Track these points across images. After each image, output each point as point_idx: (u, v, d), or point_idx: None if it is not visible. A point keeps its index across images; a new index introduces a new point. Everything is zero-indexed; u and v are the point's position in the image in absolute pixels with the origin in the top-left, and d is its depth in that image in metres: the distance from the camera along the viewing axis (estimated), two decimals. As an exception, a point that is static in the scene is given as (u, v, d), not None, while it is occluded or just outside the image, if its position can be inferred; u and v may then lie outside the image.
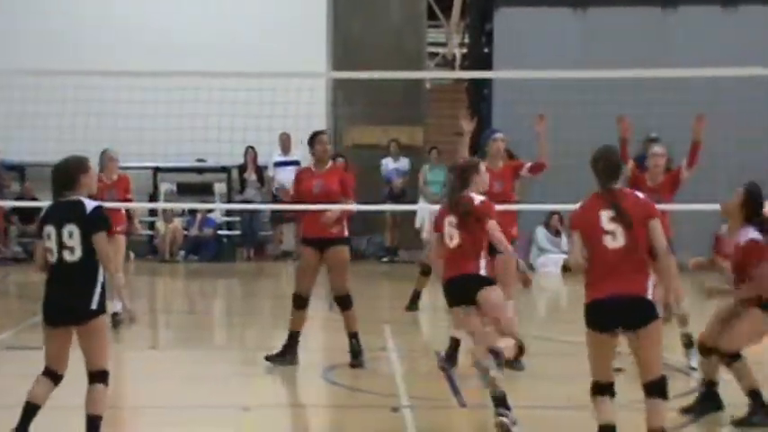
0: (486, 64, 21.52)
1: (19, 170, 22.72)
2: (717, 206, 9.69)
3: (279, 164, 22.45)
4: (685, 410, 8.96)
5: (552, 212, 20.48)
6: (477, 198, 8.78)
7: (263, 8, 23.41)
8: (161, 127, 18.25)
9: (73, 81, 15.40)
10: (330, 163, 11.69)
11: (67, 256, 7.39)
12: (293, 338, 11.03)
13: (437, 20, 31.42)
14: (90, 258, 7.40)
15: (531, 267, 20.88)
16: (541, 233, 20.98)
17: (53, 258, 7.45)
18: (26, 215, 22.16)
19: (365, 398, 9.66)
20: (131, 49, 21.91)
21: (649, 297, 7.18)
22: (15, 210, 22.09)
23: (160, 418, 9.04)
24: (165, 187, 23.13)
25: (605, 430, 7.36)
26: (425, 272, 14.67)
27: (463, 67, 29.71)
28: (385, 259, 22.66)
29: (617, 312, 7.15)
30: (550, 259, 20.87)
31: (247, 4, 23.51)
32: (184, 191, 23.11)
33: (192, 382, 10.41)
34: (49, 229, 7.48)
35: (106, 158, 14.18)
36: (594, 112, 18.97)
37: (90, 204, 7.51)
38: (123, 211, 13.78)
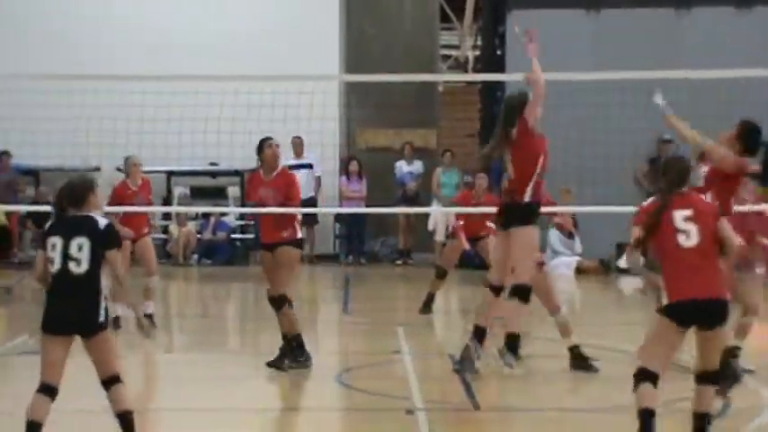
0: (499, 66, 21.50)
1: (33, 174, 22.77)
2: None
3: (292, 167, 22.39)
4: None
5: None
6: None
7: (276, 11, 23.44)
8: (174, 131, 18.29)
9: (87, 85, 15.47)
10: (279, 169, 11.66)
11: (73, 268, 7.50)
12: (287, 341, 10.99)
13: (450, 22, 31.39)
14: (95, 271, 7.53)
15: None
16: (554, 235, 20.96)
17: (54, 269, 7.55)
18: (41, 220, 22.20)
19: (379, 401, 9.65)
20: (144, 53, 21.93)
21: (728, 297, 7.47)
22: (30, 214, 22.13)
23: (175, 421, 9.05)
24: (178, 191, 23.16)
25: (646, 414, 7.41)
26: (440, 275, 14.66)
27: (476, 70, 29.69)
28: (398, 262, 22.66)
29: (701, 314, 7.39)
30: (563, 261, 20.85)
31: (260, 7, 23.54)
32: (198, 194, 23.14)
33: (207, 386, 10.42)
34: (55, 240, 7.57)
35: (130, 164, 14.30)
36: (607, 113, 18.97)
37: (102, 221, 7.66)
38: (147, 215, 13.95)
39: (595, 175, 18.61)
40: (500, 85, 21.32)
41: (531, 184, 9.97)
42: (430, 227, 21.66)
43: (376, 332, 13.79)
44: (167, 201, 22.84)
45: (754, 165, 9.23)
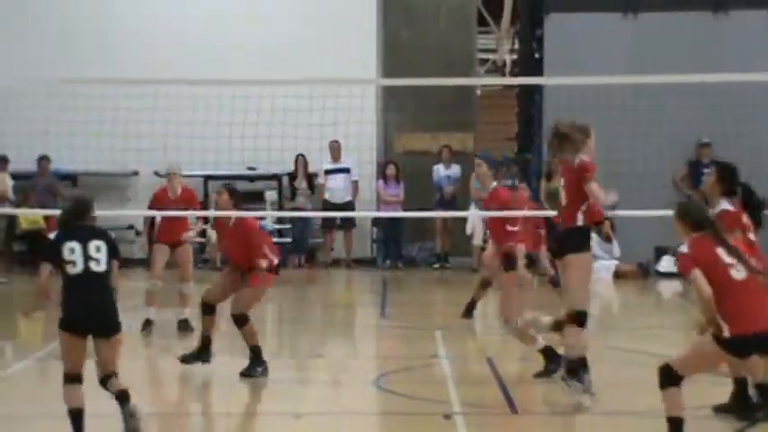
0: (537, 70, 21.45)
1: (72, 179, 22.89)
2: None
3: (329, 171, 22.49)
4: (717, 409, 8.91)
5: (604, 218, 20.35)
6: None
7: (313, 16, 23.46)
8: (212, 135, 18.34)
9: (125, 90, 15.54)
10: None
11: (94, 267, 8.07)
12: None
13: (487, 26, 31.37)
14: (110, 273, 8.17)
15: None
16: (593, 239, 20.86)
17: (76, 270, 8.06)
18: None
19: (417, 405, 9.63)
20: (183, 58, 22.01)
21: None
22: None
23: (212, 425, 9.06)
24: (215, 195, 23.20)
25: (677, 423, 7.63)
26: (484, 284, 14.55)
27: (513, 74, 29.66)
28: (436, 266, 22.62)
29: (759, 346, 7.57)
30: (602, 265, 20.75)
31: (297, 11, 23.58)
32: (235, 199, 23.17)
33: (244, 389, 10.43)
34: (73, 245, 8.08)
35: (169, 172, 14.34)
36: (646, 117, 18.89)
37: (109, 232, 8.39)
38: (188, 220, 14.01)
39: (633, 179, 18.52)
40: (538, 89, 21.28)
41: (582, 208, 9.82)
42: (468, 231, 21.62)
43: (414, 336, 13.76)
44: (205, 205, 22.90)
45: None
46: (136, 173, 22.63)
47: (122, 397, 8.02)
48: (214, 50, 22.43)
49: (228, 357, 12.64)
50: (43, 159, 22.12)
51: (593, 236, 20.73)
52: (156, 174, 22.40)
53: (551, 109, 20.37)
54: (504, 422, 9.19)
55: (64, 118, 17.59)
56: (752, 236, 8.90)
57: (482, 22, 29.61)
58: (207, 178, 23.04)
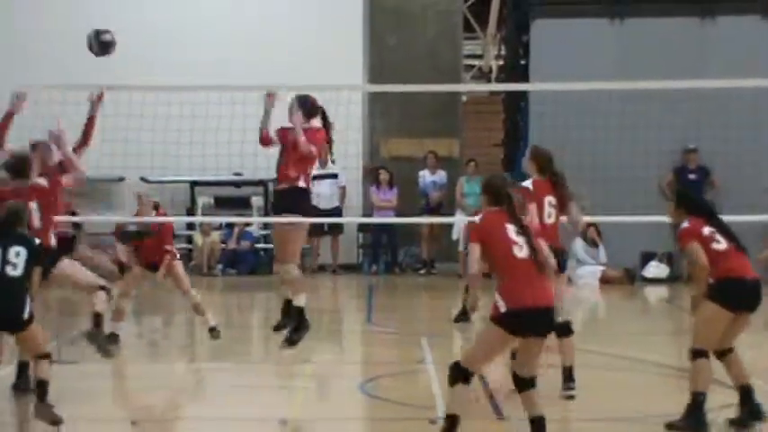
0: (523, 76, 21.48)
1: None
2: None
3: (316, 177, 22.44)
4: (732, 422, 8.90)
5: (589, 224, 20.40)
6: None
7: (300, 21, 23.47)
8: (198, 141, 18.31)
9: (111, 95, 15.48)
10: None
11: (10, 271, 8.77)
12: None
13: (473, 32, 31.42)
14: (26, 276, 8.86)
15: (569, 279, 20.81)
16: (579, 245, 20.91)
17: None
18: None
19: (403, 410, 9.64)
20: (169, 64, 22.01)
21: None
22: (54, 224, 22.19)
23: (198, 431, 9.05)
24: (202, 201, 23.21)
25: (453, 420, 7.99)
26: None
27: (500, 80, 29.68)
28: (422, 271, 22.64)
29: (531, 322, 7.76)
30: (588, 271, 20.79)
31: (284, 17, 23.58)
32: (222, 204, 23.19)
33: (230, 395, 10.43)
34: None
35: (140, 201, 14.21)
36: (632, 123, 18.92)
37: (36, 240, 9.09)
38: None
39: (620, 185, 18.56)
40: (524, 95, 21.30)
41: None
42: (454, 236, 21.64)
43: (400, 342, 13.77)
44: (191, 211, 22.89)
45: None
46: (122, 179, 22.60)
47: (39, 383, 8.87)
48: (200, 56, 22.41)
49: (216, 363, 12.64)
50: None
51: (580, 242, 20.88)
52: (143, 179, 22.39)
53: (537, 115, 20.43)
54: (490, 428, 9.20)
55: (48, 124, 17.53)
56: (719, 245, 8.71)
57: (468, 28, 29.66)
58: (193, 184, 23.04)
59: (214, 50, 22.71)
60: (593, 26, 21.09)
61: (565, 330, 10.05)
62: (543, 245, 8.04)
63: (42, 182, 10.41)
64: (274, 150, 18.10)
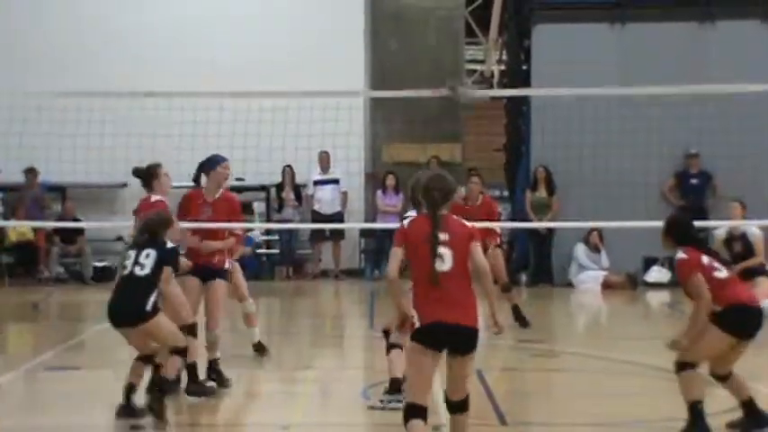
0: (525, 81, 21.50)
1: (60, 191, 22.87)
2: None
3: (318, 182, 22.51)
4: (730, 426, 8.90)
5: (592, 229, 20.40)
6: None
7: (301, 27, 23.49)
8: (200, 146, 18.31)
9: (113, 102, 15.52)
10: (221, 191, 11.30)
11: (138, 271, 9.35)
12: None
13: (475, 37, 31.44)
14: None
15: (571, 284, 20.81)
16: (581, 250, 20.91)
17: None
18: (68, 236, 22.28)
19: (405, 416, 9.62)
20: (171, 70, 22.03)
21: None
22: (57, 230, 22.22)
23: (201, 437, 9.06)
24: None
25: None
26: (506, 289, 14.53)
27: (501, 85, 29.71)
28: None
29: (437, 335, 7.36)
30: (590, 276, 20.78)
31: (285, 23, 23.60)
32: (224, 210, 23.16)
33: (232, 401, 10.43)
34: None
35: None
36: (633, 127, 18.93)
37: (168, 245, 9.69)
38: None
39: (621, 189, 18.57)
40: (525, 100, 21.32)
41: None
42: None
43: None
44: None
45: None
46: (125, 184, 22.60)
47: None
48: (201, 63, 22.44)
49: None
50: (30, 172, 22.09)
51: (582, 246, 20.87)
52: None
53: (539, 120, 20.45)
54: (492, 433, 9.20)
55: (51, 130, 17.58)
56: (720, 273, 8.63)
57: (470, 33, 29.68)
58: (195, 189, 23.04)
59: (214, 56, 22.73)
60: (594, 31, 21.10)
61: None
62: None
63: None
64: (275, 155, 18.15)
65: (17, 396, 11.02)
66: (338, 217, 21.98)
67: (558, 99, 17.85)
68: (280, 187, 22.69)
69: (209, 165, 11.18)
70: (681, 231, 8.88)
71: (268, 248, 23.52)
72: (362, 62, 23.70)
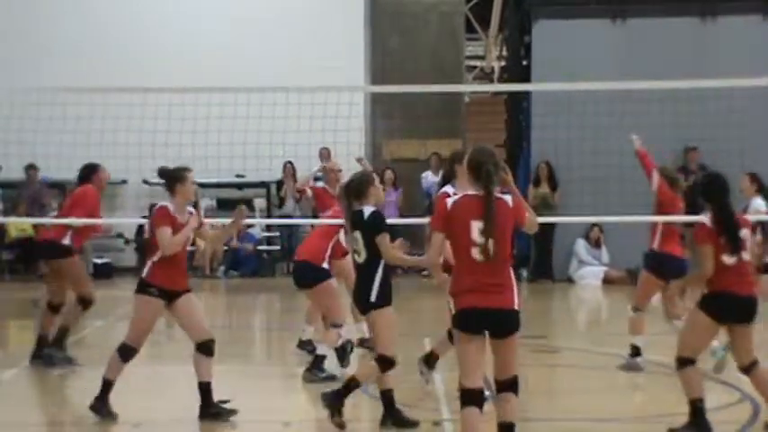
0: (525, 76, 21.49)
1: (60, 187, 22.84)
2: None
3: (318, 178, 22.47)
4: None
5: (593, 224, 20.39)
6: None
7: (302, 23, 23.49)
8: (200, 143, 18.31)
9: (112, 98, 15.51)
10: None
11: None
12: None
13: (475, 33, 31.41)
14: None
15: (571, 279, 20.80)
16: (581, 245, 20.90)
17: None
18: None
19: (406, 412, 9.63)
20: (170, 65, 22.02)
21: None
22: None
23: (201, 433, 9.06)
24: (204, 203, 23.17)
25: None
26: None
27: (502, 80, 29.69)
28: (425, 272, 22.61)
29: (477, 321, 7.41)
30: (590, 271, 20.78)
31: (286, 18, 23.60)
32: (224, 206, 23.19)
33: (233, 397, 10.42)
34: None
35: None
36: (634, 123, 18.90)
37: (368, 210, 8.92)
38: None
39: (622, 185, 18.55)
40: (526, 95, 21.32)
41: None
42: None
43: (403, 343, 13.70)
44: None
45: None
46: (124, 181, 22.60)
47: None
48: (202, 59, 22.43)
49: (219, 365, 12.64)
50: (30, 168, 22.08)
51: (582, 242, 20.88)
52: (145, 182, 22.39)
53: (539, 115, 20.44)
54: (493, 429, 9.18)
55: (50, 126, 17.56)
56: (729, 259, 8.54)
57: (470, 29, 29.65)
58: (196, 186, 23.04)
59: (215, 52, 22.73)
60: (595, 27, 21.10)
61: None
62: None
63: None
64: (275, 151, 18.08)
65: (18, 392, 11.02)
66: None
67: (558, 95, 17.83)
68: (281, 184, 22.67)
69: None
70: (710, 191, 8.76)
71: (269, 245, 23.51)
72: (362, 58, 23.69)
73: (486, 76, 32.98)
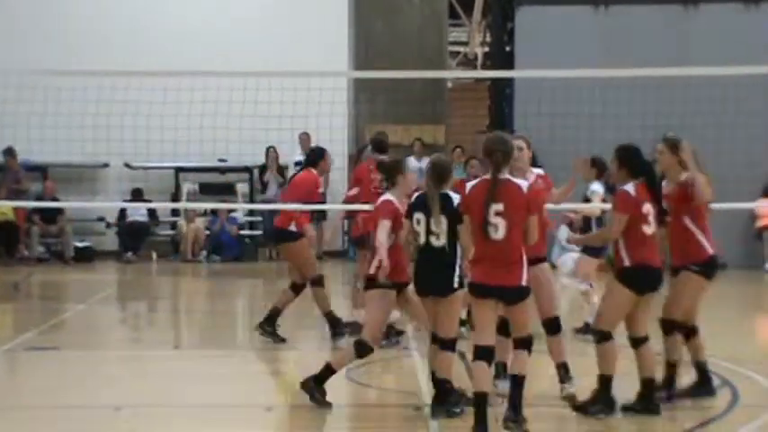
0: (508, 62, 21.49)
1: (42, 171, 22.77)
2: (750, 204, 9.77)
3: (299, 163, 22.46)
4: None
5: (574, 212, 20.40)
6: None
7: (285, 8, 23.45)
8: (183, 127, 18.29)
9: (95, 81, 15.47)
10: None
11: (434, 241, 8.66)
12: None
13: (459, 18, 31.39)
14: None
15: (553, 266, 20.84)
16: (564, 232, 20.92)
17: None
18: (49, 215, 22.20)
19: (388, 397, 9.67)
20: (153, 49, 21.98)
21: None
22: (37, 210, 22.13)
23: (182, 418, 9.06)
24: (186, 187, 23.17)
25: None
26: None
27: (485, 66, 29.69)
28: (408, 258, 22.62)
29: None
30: (572, 258, 20.79)
31: (269, 3, 23.55)
32: (206, 191, 23.17)
33: (215, 382, 10.43)
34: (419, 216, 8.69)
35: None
36: (616, 110, 18.95)
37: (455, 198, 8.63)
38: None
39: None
40: (509, 82, 21.32)
41: None
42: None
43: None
44: (176, 197, 22.86)
45: None
46: (106, 165, 22.55)
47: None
48: (184, 42, 22.37)
49: (201, 350, 12.65)
50: (9, 152, 21.94)
51: (565, 228, 20.87)
52: (127, 165, 22.35)
53: (522, 102, 20.44)
54: (472, 413, 9.20)
55: (32, 110, 17.52)
56: (648, 228, 8.66)
57: (454, 14, 29.63)
58: (178, 170, 23.01)
59: (197, 36, 22.68)
60: (578, 13, 21.11)
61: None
62: None
63: None
64: (258, 136, 18.08)
65: (-1, 376, 11.01)
66: (320, 198, 21.93)
67: (541, 81, 17.84)
68: (263, 168, 22.65)
69: None
70: (634, 162, 8.90)
71: (251, 229, 23.50)
72: (346, 43, 23.67)
73: (469, 63, 32.97)
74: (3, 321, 15.09)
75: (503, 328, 8.82)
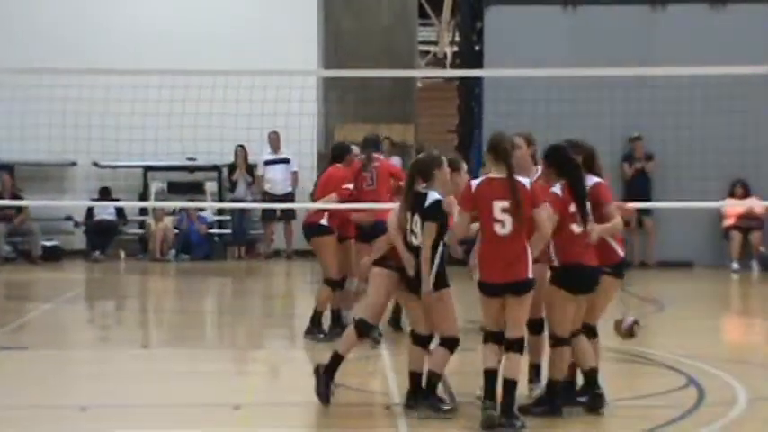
0: (477, 62, 21.52)
1: (9, 168, 22.60)
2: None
3: (269, 162, 22.45)
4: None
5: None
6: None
7: (254, 6, 23.41)
8: (151, 125, 18.23)
9: (62, 79, 15.40)
10: None
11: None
12: None
13: (428, 18, 31.44)
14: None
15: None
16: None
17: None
18: (8, 213, 21.96)
19: (358, 396, 9.65)
20: (120, 48, 21.90)
21: None
22: None
23: (152, 417, 9.03)
24: (155, 186, 23.09)
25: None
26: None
27: (454, 66, 29.74)
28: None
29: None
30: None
31: (239, 2, 23.50)
32: (175, 190, 23.09)
33: (183, 381, 10.41)
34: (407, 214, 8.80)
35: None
36: (585, 109, 19.01)
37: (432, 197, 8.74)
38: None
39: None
40: (478, 81, 21.35)
41: None
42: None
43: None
44: (144, 196, 22.78)
45: None
46: (74, 163, 22.45)
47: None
48: (153, 41, 22.30)
49: (169, 349, 12.62)
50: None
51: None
52: (95, 164, 22.25)
53: (491, 102, 20.47)
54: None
55: (1, 108, 17.44)
56: (577, 228, 8.63)
57: (423, 14, 29.68)
58: (146, 169, 22.93)
59: (167, 35, 22.60)
60: (547, 13, 21.16)
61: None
62: None
63: None
64: (227, 135, 17.99)
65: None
66: (289, 197, 21.94)
67: (510, 80, 17.87)
68: (232, 167, 22.61)
69: None
70: (562, 161, 8.80)
71: (220, 228, 23.45)
72: (315, 42, 23.65)
73: (438, 62, 33.03)
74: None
75: (534, 326, 8.89)
